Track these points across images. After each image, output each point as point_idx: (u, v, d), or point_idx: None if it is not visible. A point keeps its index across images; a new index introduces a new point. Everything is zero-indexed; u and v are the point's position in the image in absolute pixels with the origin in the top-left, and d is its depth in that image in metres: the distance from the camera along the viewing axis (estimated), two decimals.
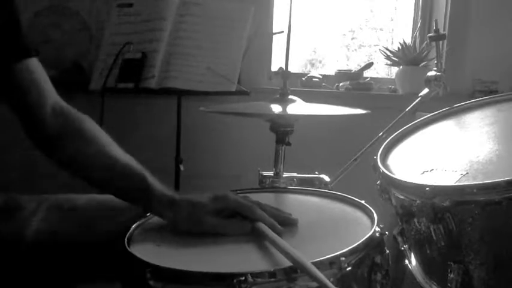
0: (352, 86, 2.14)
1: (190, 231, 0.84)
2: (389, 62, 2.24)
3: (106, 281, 0.93)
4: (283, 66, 1.18)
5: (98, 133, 0.93)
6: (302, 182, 1.21)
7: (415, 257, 1.05)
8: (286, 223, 0.86)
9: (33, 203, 0.94)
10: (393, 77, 2.30)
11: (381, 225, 0.82)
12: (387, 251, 0.81)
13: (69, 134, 0.92)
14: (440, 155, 1.10)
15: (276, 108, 1.11)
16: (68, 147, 0.91)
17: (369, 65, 2.27)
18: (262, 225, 0.82)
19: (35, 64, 0.92)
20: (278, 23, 2.14)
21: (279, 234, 0.80)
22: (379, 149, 1.17)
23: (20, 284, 0.89)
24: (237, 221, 0.85)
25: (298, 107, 1.13)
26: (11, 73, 0.89)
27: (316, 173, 1.26)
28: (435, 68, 1.41)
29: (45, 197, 0.98)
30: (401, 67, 2.18)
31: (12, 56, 0.89)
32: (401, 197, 1.00)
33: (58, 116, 0.93)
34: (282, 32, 1.34)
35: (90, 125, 0.94)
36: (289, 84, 1.17)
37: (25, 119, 0.93)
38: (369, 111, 1.09)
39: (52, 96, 0.94)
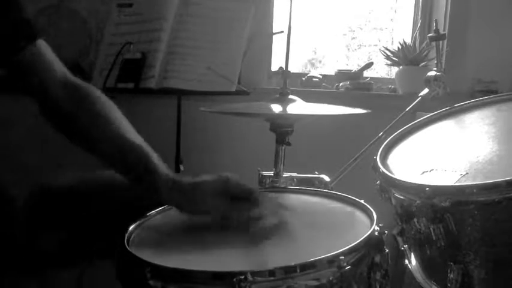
0: (352, 86, 2.14)
1: (185, 209, 0.86)
2: (389, 62, 2.24)
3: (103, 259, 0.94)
4: (283, 66, 1.18)
5: (109, 110, 0.94)
6: (302, 182, 1.22)
7: (415, 257, 1.05)
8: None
9: (23, 186, 0.95)
10: (393, 77, 2.29)
11: (380, 225, 0.82)
12: (386, 250, 0.81)
13: (81, 110, 0.93)
14: (440, 155, 1.10)
15: (276, 108, 1.11)
16: (79, 123, 0.93)
17: (369, 65, 2.27)
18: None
19: (43, 45, 0.93)
20: (278, 23, 2.14)
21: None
22: (379, 149, 1.17)
23: (16, 269, 0.89)
24: (234, 205, 0.86)
25: (298, 107, 1.13)
26: (21, 56, 0.90)
27: (316, 173, 1.27)
28: (435, 68, 1.41)
29: (36, 180, 0.98)
30: (401, 67, 2.18)
31: (20, 39, 0.90)
32: (401, 197, 1.00)
33: (69, 94, 0.94)
34: (282, 32, 1.34)
35: (102, 100, 0.96)
36: (289, 84, 1.17)
37: (38, 98, 0.94)
38: (369, 111, 1.09)
39: (62, 74, 0.96)
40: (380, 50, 2.25)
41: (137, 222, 0.88)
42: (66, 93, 0.94)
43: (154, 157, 0.89)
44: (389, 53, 2.20)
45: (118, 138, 0.90)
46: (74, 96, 0.94)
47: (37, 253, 0.91)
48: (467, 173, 0.92)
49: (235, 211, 0.86)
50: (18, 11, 0.91)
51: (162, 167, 0.88)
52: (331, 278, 0.68)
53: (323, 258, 0.69)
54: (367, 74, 2.29)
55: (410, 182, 0.97)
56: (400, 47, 2.16)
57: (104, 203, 0.96)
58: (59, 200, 0.96)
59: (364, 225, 0.83)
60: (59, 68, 0.96)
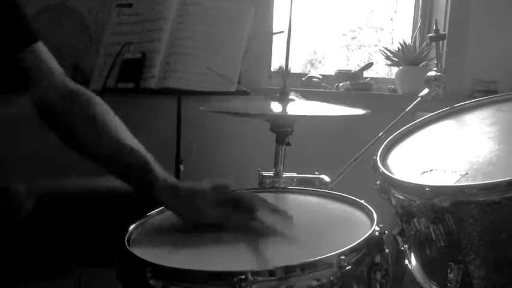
0: (352, 86, 2.14)
1: (188, 219, 0.85)
2: (389, 62, 2.24)
3: (102, 266, 0.94)
4: (283, 66, 1.18)
5: (105, 115, 0.95)
6: (302, 182, 1.22)
7: (415, 257, 1.05)
8: (282, 218, 0.87)
9: (23, 187, 0.95)
10: (393, 77, 2.29)
11: (380, 225, 0.82)
12: (387, 250, 0.81)
13: (77, 116, 0.93)
14: (440, 155, 1.10)
15: (276, 108, 1.12)
16: (75, 128, 0.93)
17: (369, 65, 2.27)
18: (257, 223, 0.83)
19: (40, 48, 0.93)
20: (278, 23, 2.14)
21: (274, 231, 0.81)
22: (379, 149, 1.17)
23: (14, 270, 0.89)
24: (236, 214, 0.85)
25: (298, 107, 1.13)
26: (18, 59, 0.90)
27: (316, 173, 1.27)
28: (435, 68, 1.41)
29: (37, 181, 0.98)
30: (401, 67, 2.18)
31: (18, 42, 0.90)
32: (401, 197, 1.00)
33: (66, 98, 0.94)
34: (282, 32, 1.34)
35: (98, 106, 0.96)
36: (289, 84, 1.17)
37: (35, 102, 0.94)
38: (369, 111, 1.09)
39: (60, 78, 0.96)
40: (380, 50, 2.25)
41: (137, 222, 0.88)
42: (64, 98, 0.94)
43: (152, 161, 0.89)
44: (389, 53, 2.20)
45: (116, 143, 0.90)
46: (71, 102, 0.94)
47: (39, 256, 0.91)
48: (467, 173, 0.92)
49: (232, 220, 0.85)
50: (17, 13, 0.90)
51: (160, 171, 0.88)
52: (331, 278, 0.68)
53: (323, 258, 0.69)
54: (367, 74, 2.29)
55: (410, 182, 0.97)
56: (400, 47, 2.16)
57: (106, 210, 0.96)
58: (64, 205, 0.96)
59: (364, 225, 0.83)
60: (58, 72, 0.96)
